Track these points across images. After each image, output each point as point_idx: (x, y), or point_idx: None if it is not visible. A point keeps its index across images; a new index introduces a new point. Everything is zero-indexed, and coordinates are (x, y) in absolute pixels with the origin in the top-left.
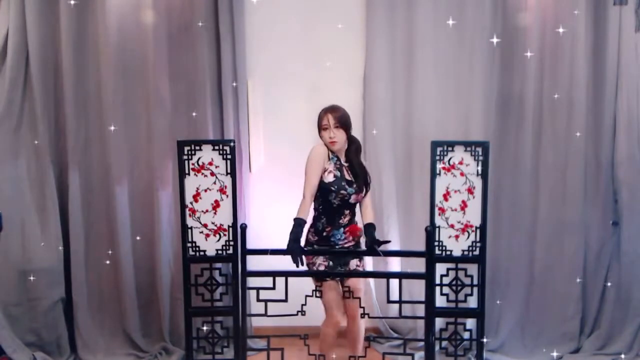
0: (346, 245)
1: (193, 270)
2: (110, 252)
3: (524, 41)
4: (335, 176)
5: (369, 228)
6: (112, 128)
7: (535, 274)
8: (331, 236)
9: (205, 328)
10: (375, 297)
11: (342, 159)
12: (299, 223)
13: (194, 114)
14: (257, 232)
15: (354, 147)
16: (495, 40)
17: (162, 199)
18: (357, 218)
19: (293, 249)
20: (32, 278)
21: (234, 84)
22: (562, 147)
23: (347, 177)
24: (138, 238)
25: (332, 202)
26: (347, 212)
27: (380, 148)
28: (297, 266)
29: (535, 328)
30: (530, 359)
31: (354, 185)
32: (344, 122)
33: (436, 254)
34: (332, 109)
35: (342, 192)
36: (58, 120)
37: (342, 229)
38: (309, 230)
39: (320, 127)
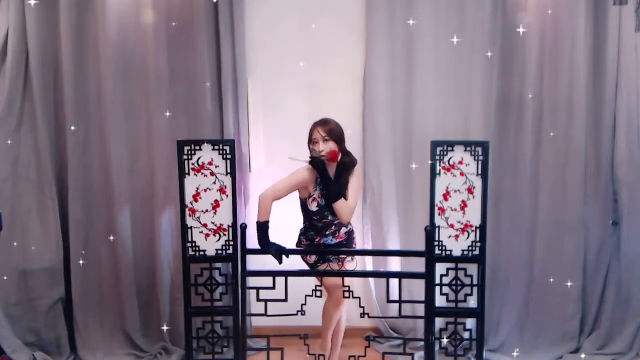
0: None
1: (193, 270)
2: (110, 251)
3: (524, 41)
4: (319, 205)
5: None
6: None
7: (535, 274)
8: (323, 242)
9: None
10: (375, 297)
11: (332, 176)
12: (261, 227)
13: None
14: (257, 232)
15: (347, 164)
16: (492, 40)
17: (162, 198)
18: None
19: (272, 251)
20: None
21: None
22: (562, 147)
23: None
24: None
25: (316, 224)
26: (333, 227)
27: (380, 148)
28: (280, 263)
29: (535, 328)
30: (530, 359)
31: None
32: (333, 135)
33: (436, 254)
34: (322, 123)
35: (325, 220)
36: (58, 120)
37: (331, 236)
38: (299, 238)
39: (311, 141)
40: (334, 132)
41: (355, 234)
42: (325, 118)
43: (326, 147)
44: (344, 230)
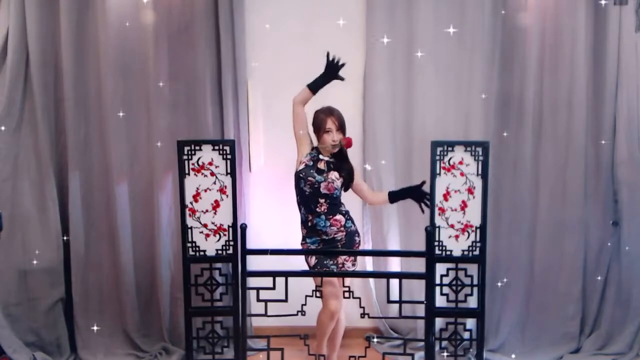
0: (337, 237)
1: (193, 270)
2: (110, 251)
3: (524, 41)
4: (306, 165)
5: (395, 193)
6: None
7: (535, 274)
8: (316, 225)
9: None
10: (375, 297)
11: (326, 155)
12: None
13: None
14: (257, 232)
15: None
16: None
17: (162, 199)
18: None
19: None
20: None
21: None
22: (562, 147)
23: (319, 166)
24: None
25: (304, 190)
26: (322, 200)
27: (380, 148)
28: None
29: (535, 328)
30: (531, 359)
31: (324, 174)
32: (343, 125)
33: (436, 254)
34: (332, 112)
35: (310, 178)
36: (58, 120)
37: (323, 217)
38: (301, 226)
39: (323, 130)
40: (343, 121)
41: (358, 237)
42: (330, 106)
43: (339, 136)
44: (339, 218)
